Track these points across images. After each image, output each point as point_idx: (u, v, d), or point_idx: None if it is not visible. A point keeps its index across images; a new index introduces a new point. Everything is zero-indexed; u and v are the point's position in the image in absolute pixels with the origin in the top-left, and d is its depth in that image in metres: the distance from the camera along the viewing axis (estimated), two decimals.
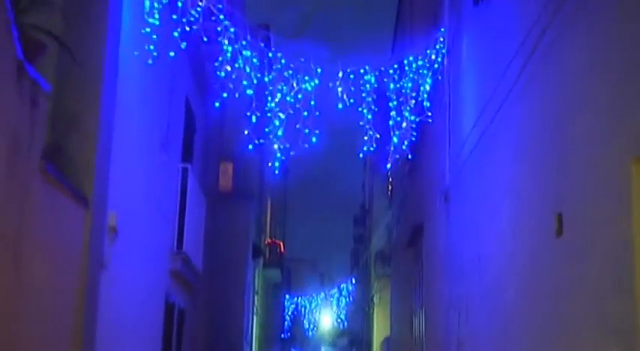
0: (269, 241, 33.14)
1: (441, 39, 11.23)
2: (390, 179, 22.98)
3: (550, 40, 6.72)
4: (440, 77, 10.87)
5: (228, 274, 20.91)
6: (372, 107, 10.20)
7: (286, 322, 38.58)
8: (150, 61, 8.77)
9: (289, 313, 39.19)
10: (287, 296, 38.75)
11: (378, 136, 10.18)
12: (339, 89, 10.01)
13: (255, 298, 26.76)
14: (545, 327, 6.53)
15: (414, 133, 10.57)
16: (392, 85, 10.47)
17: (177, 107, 12.41)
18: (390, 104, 10.51)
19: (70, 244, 7.55)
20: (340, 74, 9.96)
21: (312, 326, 41.09)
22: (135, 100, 9.61)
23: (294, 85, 9.66)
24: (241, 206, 22.68)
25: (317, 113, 9.75)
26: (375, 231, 33.45)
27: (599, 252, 5.30)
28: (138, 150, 9.91)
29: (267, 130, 9.57)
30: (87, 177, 7.84)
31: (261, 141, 9.61)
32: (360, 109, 10.15)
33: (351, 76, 10.06)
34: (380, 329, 30.69)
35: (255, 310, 26.21)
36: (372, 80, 10.21)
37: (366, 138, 10.24)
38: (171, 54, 9.06)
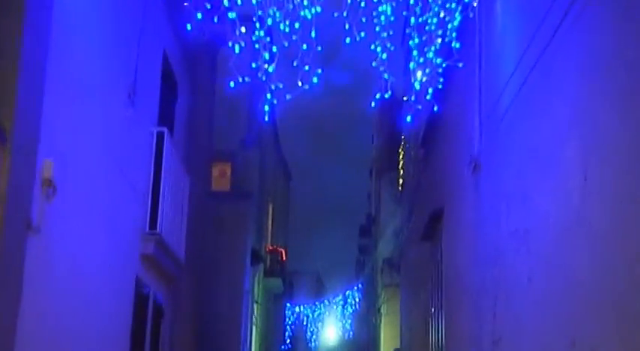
0: (270, 248, 31.81)
1: None
2: (402, 167, 21.04)
3: None
4: (471, 14, 8.83)
5: (222, 277, 19.37)
6: (388, 46, 8.18)
7: (287, 333, 36.79)
8: None
9: (290, 323, 37.44)
10: (288, 304, 36.94)
11: (393, 79, 8.16)
12: (347, 22, 8.03)
13: (255, 307, 25.25)
14: None
15: (441, 80, 8.52)
16: (413, 20, 8.44)
17: (150, 57, 10.38)
18: (411, 43, 8.47)
19: None
20: (349, 0, 7.97)
21: (314, 337, 39.34)
22: (85, 19, 7.60)
23: (290, 9, 7.65)
24: (239, 208, 21.25)
25: (319, 48, 7.75)
26: (382, 238, 31.74)
27: None
28: (92, 90, 7.91)
29: (254, 65, 7.54)
30: (5, 104, 5.81)
31: (247, 79, 7.56)
32: (372, 46, 8.14)
33: (362, 4, 8.04)
34: (387, 341, 28.88)
35: (254, 321, 24.66)
36: (388, 12, 8.18)
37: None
38: None
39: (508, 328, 7.89)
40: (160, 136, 10.38)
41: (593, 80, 5.72)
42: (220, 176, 23.02)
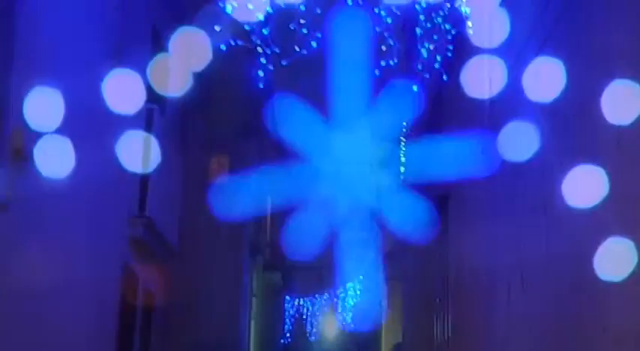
0: (269, 240, 31.37)
1: None
2: (403, 155, 20.46)
3: None
4: None
5: (219, 270, 18.76)
6: (394, 10, 7.59)
7: (287, 327, 36.34)
8: None
9: (290, 314, 37.00)
10: (287, 298, 36.47)
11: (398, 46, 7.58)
12: None
13: (254, 300, 24.77)
14: None
15: (450, 47, 7.91)
16: None
17: (138, 31, 9.74)
18: (417, 7, 7.86)
19: None
20: None
21: (315, 331, 38.89)
22: None
23: None
24: (236, 200, 20.69)
25: (318, 10, 7.16)
26: (384, 230, 31.27)
27: None
28: (75, 61, 7.38)
29: (247, 27, 6.93)
30: None
31: (239, 43, 6.95)
32: (376, 10, 7.54)
33: None
34: (389, 335, 28.38)
35: (252, 314, 24.18)
36: None
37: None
38: None
39: (524, 316, 7.29)
40: (150, 114, 9.74)
41: (616, 46, 5.20)
42: (218, 168, 22.55)
